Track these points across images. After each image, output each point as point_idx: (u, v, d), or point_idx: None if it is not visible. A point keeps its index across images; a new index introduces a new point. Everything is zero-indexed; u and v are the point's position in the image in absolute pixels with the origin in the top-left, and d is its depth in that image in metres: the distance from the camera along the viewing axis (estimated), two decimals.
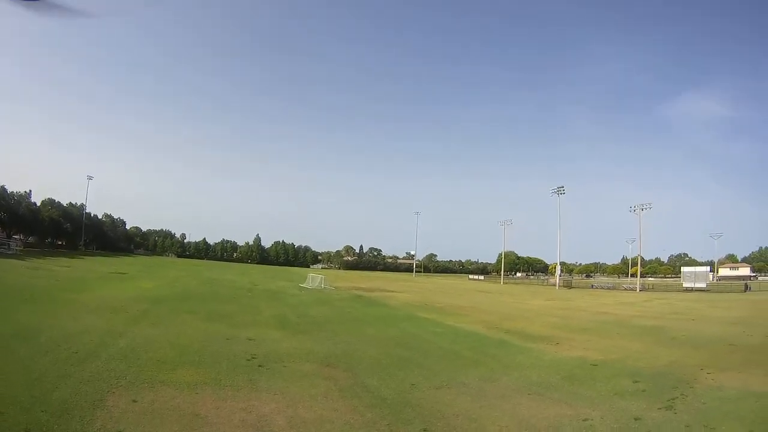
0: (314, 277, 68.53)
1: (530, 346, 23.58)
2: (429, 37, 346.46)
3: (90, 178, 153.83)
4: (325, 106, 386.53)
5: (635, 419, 11.86)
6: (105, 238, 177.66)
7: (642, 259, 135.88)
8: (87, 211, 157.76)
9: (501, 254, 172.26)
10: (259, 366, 16.66)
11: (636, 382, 15.75)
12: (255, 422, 11.01)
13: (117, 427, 10.02)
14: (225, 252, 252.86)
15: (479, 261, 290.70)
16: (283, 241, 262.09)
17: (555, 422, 11.77)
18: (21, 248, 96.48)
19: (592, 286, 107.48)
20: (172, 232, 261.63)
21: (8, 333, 18.81)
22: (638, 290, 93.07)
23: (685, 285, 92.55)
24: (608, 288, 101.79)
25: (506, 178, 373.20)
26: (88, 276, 53.81)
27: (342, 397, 13.48)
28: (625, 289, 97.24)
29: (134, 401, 11.76)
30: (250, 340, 21.92)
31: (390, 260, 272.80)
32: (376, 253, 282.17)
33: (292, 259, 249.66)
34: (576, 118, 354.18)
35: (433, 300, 53.95)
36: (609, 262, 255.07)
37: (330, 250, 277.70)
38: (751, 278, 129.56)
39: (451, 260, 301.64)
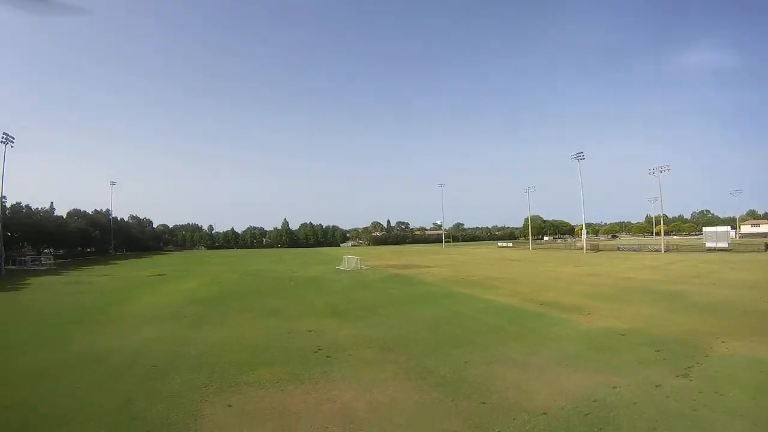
0: (349, 259, 69.94)
1: (564, 317, 25.56)
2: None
3: (113, 183, 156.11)
4: (344, 81, 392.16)
5: (656, 386, 13.51)
6: (133, 239, 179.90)
7: (665, 217, 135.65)
8: (113, 215, 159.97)
9: (527, 219, 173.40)
10: (327, 357, 18.14)
11: (658, 351, 17.60)
12: (341, 410, 12.49)
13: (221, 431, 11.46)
14: (254, 239, 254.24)
15: (506, 226, 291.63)
16: (310, 222, 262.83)
17: (590, 390, 13.34)
18: (52, 262, 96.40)
19: (618, 248, 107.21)
20: (200, 225, 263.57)
21: (77, 358, 19.24)
22: (663, 251, 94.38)
23: (708, 245, 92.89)
24: (634, 250, 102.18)
25: (525, 144, 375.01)
26: (129, 284, 54.03)
27: (408, 379, 15.04)
28: (650, 251, 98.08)
29: (229, 406, 13.04)
30: (309, 331, 23.36)
31: (418, 232, 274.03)
32: (404, 227, 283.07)
33: (321, 240, 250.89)
34: (581, 79, 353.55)
35: (467, 273, 55.37)
36: (633, 221, 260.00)
37: (357, 227, 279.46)
38: None
39: (478, 227, 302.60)
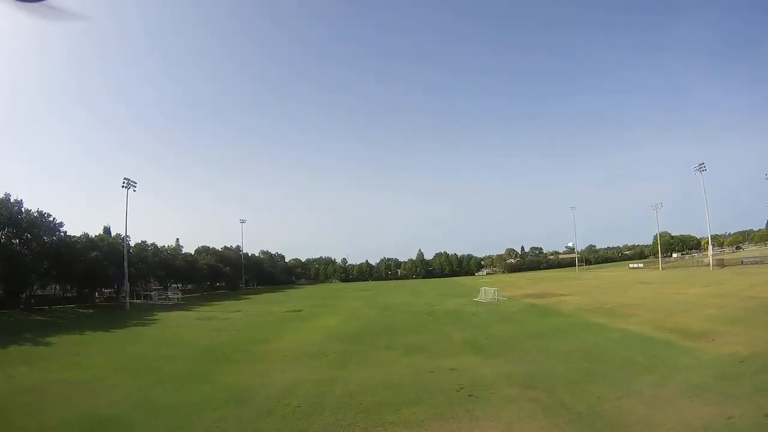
0: (486, 290, 70.82)
1: (691, 345, 26.45)
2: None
3: (243, 221, 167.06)
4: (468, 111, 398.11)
5: (765, 416, 14.32)
6: (265, 273, 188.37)
7: None
8: (244, 251, 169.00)
9: (656, 236, 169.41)
10: (470, 395, 19.04)
11: None
12: None
13: None
14: (389, 270, 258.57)
15: (636, 245, 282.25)
16: (445, 252, 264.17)
17: (707, 422, 14.35)
18: (180, 296, 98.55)
19: (742, 261, 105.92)
20: (333, 258, 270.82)
21: (222, 398, 20.43)
22: None
23: None
24: (756, 263, 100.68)
25: (648, 154, 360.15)
26: (265, 320, 56.15)
27: (545, 416, 16.11)
28: None
29: None
30: (452, 370, 24.27)
31: (552, 257, 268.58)
32: (537, 252, 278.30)
33: (456, 269, 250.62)
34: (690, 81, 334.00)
35: (601, 301, 55.51)
36: (755, 228, 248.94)
37: (491, 255, 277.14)
38: None
39: (609, 247, 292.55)
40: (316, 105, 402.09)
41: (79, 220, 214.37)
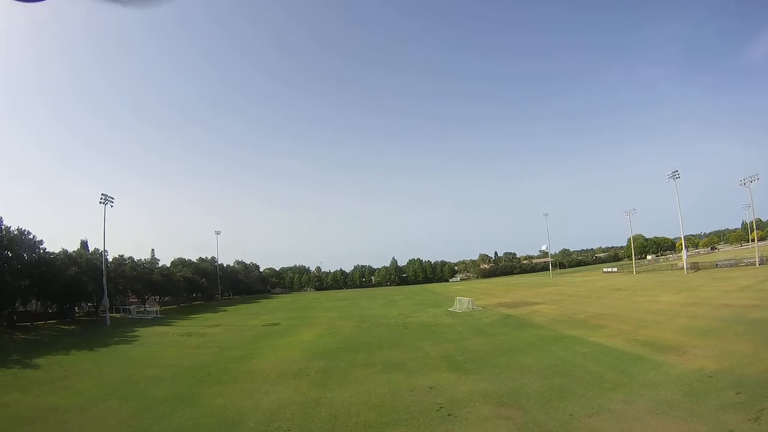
0: (461, 300, 72.84)
1: (661, 359, 27.59)
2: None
3: (218, 233, 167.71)
4: (445, 117, 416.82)
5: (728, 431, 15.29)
6: (240, 284, 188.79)
7: (760, 221, 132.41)
8: (219, 262, 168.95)
9: (630, 239, 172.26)
10: (449, 415, 20.28)
11: (738, 393, 19.09)
12: None
13: None
14: (363, 278, 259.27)
15: (611, 246, 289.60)
16: (419, 258, 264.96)
17: None
18: (158, 309, 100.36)
19: (717, 264, 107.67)
20: (307, 266, 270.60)
21: (214, 423, 21.51)
22: (757, 264, 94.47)
23: None
24: (731, 266, 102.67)
25: (621, 161, 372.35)
26: (244, 335, 57.70)
27: None
28: (746, 265, 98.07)
29: None
30: (430, 388, 25.60)
31: (525, 262, 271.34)
32: (510, 257, 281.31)
33: (430, 276, 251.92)
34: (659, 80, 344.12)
35: (574, 310, 57.09)
36: (731, 227, 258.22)
37: (465, 260, 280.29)
38: None
39: (583, 250, 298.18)
40: (290, 109, 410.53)
41: (52, 227, 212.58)
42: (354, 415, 21.44)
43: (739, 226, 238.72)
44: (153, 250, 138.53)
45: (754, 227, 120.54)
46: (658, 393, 20.98)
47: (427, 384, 26.78)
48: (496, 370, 29.57)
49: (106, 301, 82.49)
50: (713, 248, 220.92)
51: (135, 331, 66.78)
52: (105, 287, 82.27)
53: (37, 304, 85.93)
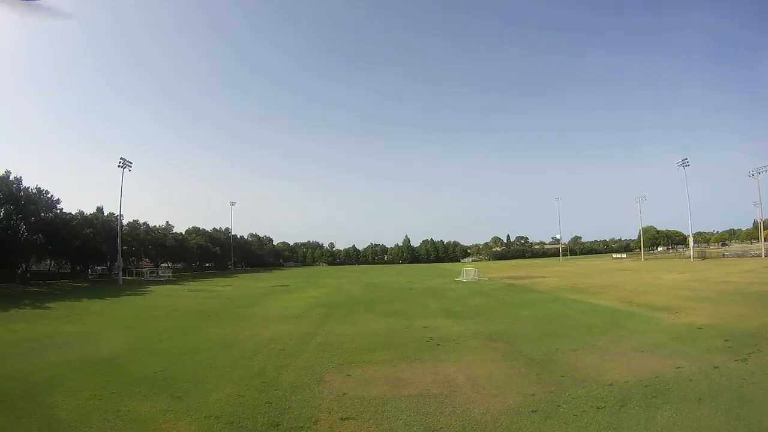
0: (468, 271, 73.65)
1: (653, 315, 28.04)
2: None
3: (233, 203, 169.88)
4: (462, 105, 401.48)
5: (714, 367, 15.18)
6: (253, 255, 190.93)
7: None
8: (233, 233, 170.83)
9: (640, 230, 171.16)
10: (438, 345, 20.91)
11: (727, 341, 19.28)
12: (443, 380, 15.01)
13: (341, 391, 13.84)
14: (375, 255, 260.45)
15: (622, 238, 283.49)
16: (431, 239, 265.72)
17: (656, 369, 15.32)
18: (170, 274, 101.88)
19: (723, 255, 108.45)
20: (321, 242, 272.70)
21: (213, 344, 22.46)
22: (763, 256, 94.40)
23: None
24: (737, 256, 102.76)
25: (633, 154, 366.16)
26: (253, 292, 58.47)
27: (504, 360, 17.66)
28: (752, 256, 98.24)
29: (348, 375, 15.72)
30: (424, 327, 26.16)
31: (537, 247, 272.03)
32: (523, 241, 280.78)
33: (442, 256, 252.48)
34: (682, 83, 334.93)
35: (577, 282, 57.45)
36: (743, 227, 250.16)
37: (478, 243, 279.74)
38: None
39: (596, 240, 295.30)
40: (312, 95, 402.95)
41: (70, 201, 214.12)
42: (347, 341, 22.52)
43: (751, 226, 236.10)
44: (168, 221, 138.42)
45: (761, 216, 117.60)
46: (646, 337, 21.35)
47: (422, 325, 27.52)
48: (490, 317, 30.32)
49: (119, 261, 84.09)
50: (723, 244, 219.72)
51: (147, 288, 68.25)
52: (120, 248, 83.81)
53: (50, 264, 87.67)
